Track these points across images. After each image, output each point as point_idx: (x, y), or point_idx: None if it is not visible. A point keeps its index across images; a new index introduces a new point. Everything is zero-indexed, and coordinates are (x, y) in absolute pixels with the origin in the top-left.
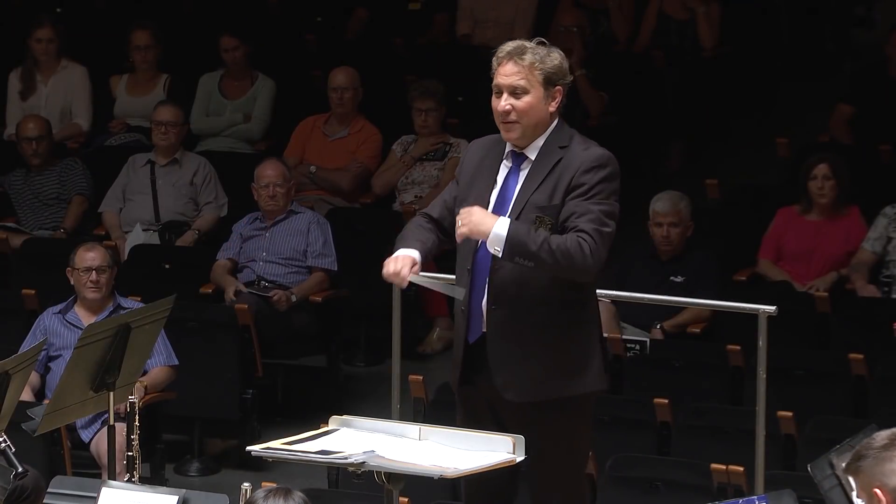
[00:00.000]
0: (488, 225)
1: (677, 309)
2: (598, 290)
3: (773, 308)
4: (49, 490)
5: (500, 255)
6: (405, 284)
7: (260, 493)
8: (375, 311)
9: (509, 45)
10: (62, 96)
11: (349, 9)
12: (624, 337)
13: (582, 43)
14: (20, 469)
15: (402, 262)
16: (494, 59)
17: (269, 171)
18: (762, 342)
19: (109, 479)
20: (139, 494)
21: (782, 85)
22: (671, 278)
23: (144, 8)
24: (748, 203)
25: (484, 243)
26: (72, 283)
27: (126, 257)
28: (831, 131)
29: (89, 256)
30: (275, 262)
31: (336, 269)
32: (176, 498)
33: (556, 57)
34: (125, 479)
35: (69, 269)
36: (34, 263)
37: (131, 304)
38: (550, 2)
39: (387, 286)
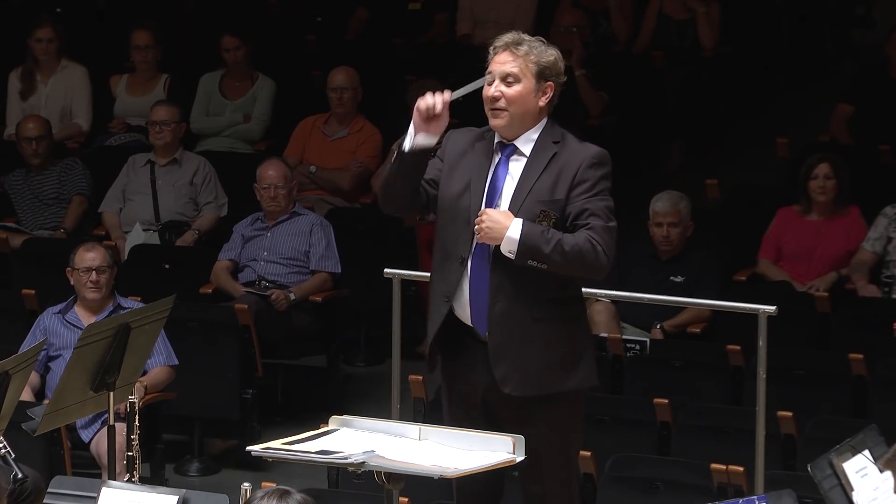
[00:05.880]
0: (502, 228)
1: (677, 309)
2: (598, 291)
3: (773, 308)
4: (49, 490)
5: (512, 258)
6: (439, 107)
7: (258, 493)
8: (375, 311)
9: (507, 36)
10: (62, 96)
11: (349, 9)
12: (624, 337)
13: (582, 43)
14: (21, 475)
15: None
16: (491, 48)
17: (270, 172)
18: (762, 342)
19: (109, 479)
20: (139, 494)
21: (782, 85)
22: (671, 278)
23: (144, 8)
24: (748, 203)
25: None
26: (72, 283)
27: (126, 257)
28: (831, 131)
29: (89, 256)
30: (276, 261)
31: (339, 270)
32: (176, 498)
33: (552, 53)
34: (125, 479)
35: (69, 269)
36: (34, 263)
37: (131, 304)
38: (550, 2)
39: (387, 286)
